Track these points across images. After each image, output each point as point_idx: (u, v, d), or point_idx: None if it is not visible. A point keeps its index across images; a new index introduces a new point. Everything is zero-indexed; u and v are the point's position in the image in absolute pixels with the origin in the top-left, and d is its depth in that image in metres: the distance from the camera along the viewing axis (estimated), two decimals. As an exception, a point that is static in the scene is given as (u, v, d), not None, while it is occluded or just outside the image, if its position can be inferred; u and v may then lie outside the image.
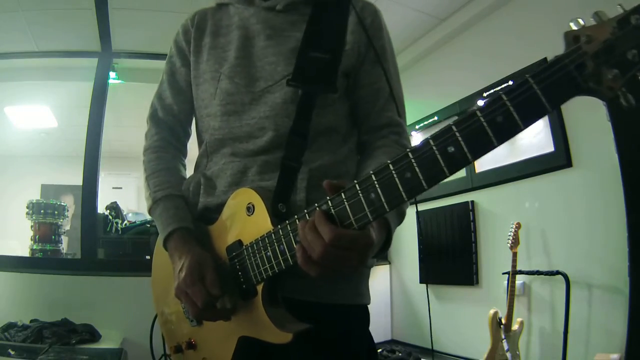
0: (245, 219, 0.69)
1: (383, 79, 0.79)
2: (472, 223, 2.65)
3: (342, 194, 0.53)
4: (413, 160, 0.48)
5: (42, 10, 2.59)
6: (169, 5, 2.62)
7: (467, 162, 0.45)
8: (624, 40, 0.39)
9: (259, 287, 0.66)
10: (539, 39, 2.26)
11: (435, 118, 3.02)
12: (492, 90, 2.55)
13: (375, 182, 0.50)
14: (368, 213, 0.51)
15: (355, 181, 0.52)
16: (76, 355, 1.82)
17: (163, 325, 0.86)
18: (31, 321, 2.20)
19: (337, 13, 0.78)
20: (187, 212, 0.79)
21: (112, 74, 3.04)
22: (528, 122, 0.42)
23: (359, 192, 0.51)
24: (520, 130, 0.42)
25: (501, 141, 0.43)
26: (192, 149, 0.94)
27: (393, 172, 0.49)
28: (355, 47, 0.77)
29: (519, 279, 2.23)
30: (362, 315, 0.78)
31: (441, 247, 2.86)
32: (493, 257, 2.51)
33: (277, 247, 0.61)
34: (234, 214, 0.71)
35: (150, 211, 0.82)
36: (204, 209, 0.79)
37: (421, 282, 3.02)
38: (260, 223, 0.66)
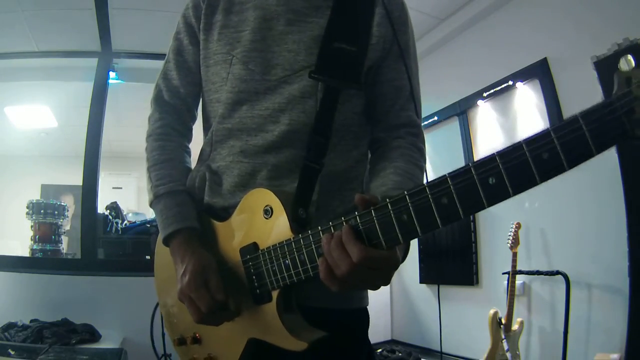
0: (262, 221, 0.65)
1: (405, 77, 0.75)
2: (472, 223, 2.65)
3: (372, 212, 0.50)
4: (452, 187, 0.45)
5: (42, 10, 2.59)
6: (169, 5, 2.62)
7: (508, 196, 0.43)
8: None
9: (274, 294, 0.63)
10: (538, 39, 2.26)
11: (436, 118, 3.02)
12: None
13: (410, 204, 0.48)
14: (399, 235, 0.49)
15: (388, 200, 0.49)
16: (76, 355, 1.82)
17: (166, 316, 0.82)
18: (31, 321, 2.20)
19: (363, 1, 0.73)
20: (192, 208, 0.74)
21: (112, 74, 3.04)
22: (572, 163, 0.40)
23: (391, 212, 0.49)
24: (564, 171, 0.41)
25: (544, 179, 0.42)
26: (195, 134, 0.89)
27: (429, 196, 0.46)
28: (380, 41, 0.73)
29: (519, 279, 2.23)
30: (363, 317, 0.78)
31: (441, 247, 2.87)
32: (493, 257, 2.51)
33: (297, 257, 0.58)
34: (250, 215, 0.67)
35: (151, 205, 0.77)
36: (208, 207, 0.76)
37: (421, 282, 3.02)
38: (279, 228, 0.62)
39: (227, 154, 0.74)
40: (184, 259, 0.68)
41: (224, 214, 0.72)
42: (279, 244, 0.61)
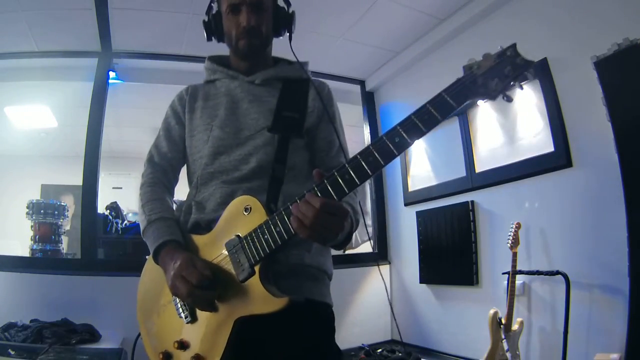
0: (243, 218, 0.83)
1: (334, 135, 1.05)
2: (472, 223, 2.65)
3: (325, 180, 0.72)
4: (373, 150, 0.70)
5: (42, 10, 2.59)
6: (169, 5, 2.62)
7: (409, 145, 0.69)
8: (502, 64, 0.71)
9: (257, 268, 0.79)
10: (538, 39, 2.26)
11: (435, 118, 3.02)
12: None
13: (348, 167, 0.71)
14: (345, 188, 0.71)
15: (334, 170, 0.72)
16: (76, 355, 1.82)
17: (149, 337, 0.92)
18: (31, 321, 2.20)
19: (300, 87, 1.07)
20: (179, 230, 0.93)
21: (112, 74, 3.04)
22: (444, 115, 0.68)
23: (337, 176, 0.72)
24: (439, 121, 0.68)
25: (428, 130, 0.68)
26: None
27: (360, 159, 0.71)
28: (315, 111, 1.05)
29: (519, 279, 2.23)
30: (328, 310, 0.97)
31: (441, 247, 2.86)
32: (493, 257, 2.51)
33: (274, 230, 0.77)
34: (232, 217, 0.85)
35: (144, 231, 0.95)
36: (195, 224, 0.94)
37: (421, 282, 3.02)
38: (257, 217, 0.81)
39: (211, 187, 0.96)
40: (173, 257, 0.85)
41: (208, 228, 0.90)
42: (258, 226, 0.80)
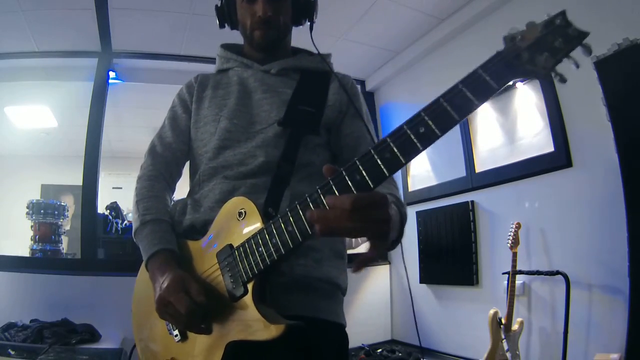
0: (236, 223, 0.72)
1: (363, 129, 0.93)
2: (472, 223, 2.65)
3: (330, 181, 0.58)
4: (391, 143, 0.54)
5: (42, 10, 2.59)
6: (169, 5, 2.62)
7: (437, 137, 0.52)
8: (552, 34, 0.53)
9: (250, 285, 0.68)
10: (539, 39, 2.26)
11: (435, 118, 3.02)
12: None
13: (359, 165, 0.56)
14: (352, 188, 0.56)
15: (342, 170, 0.57)
16: (76, 355, 1.82)
17: (142, 352, 0.86)
18: (31, 321, 2.20)
19: (321, 79, 0.97)
20: (173, 236, 0.84)
21: (112, 74, 3.04)
22: (481, 101, 0.51)
23: (345, 175, 0.57)
24: (476, 106, 0.51)
25: (462, 117, 0.51)
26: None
27: (374, 154, 0.55)
28: (337, 104, 0.94)
29: (519, 279, 2.23)
30: (341, 333, 0.86)
31: (441, 247, 2.86)
32: (493, 257, 2.51)
33: (269, 241, 0.64)
34: (225, 222, 0.75)
35: (136, 232, 0.86)
36: (190, 227, 0.85)
37: (421, 282, 3.02)
38: (252, 224, 0.70)
39: (212, 183, 0.87)
40: (163, 273, 0.75)
41: (204, 230, 0.80)
42: (252, 235, 0.68)
